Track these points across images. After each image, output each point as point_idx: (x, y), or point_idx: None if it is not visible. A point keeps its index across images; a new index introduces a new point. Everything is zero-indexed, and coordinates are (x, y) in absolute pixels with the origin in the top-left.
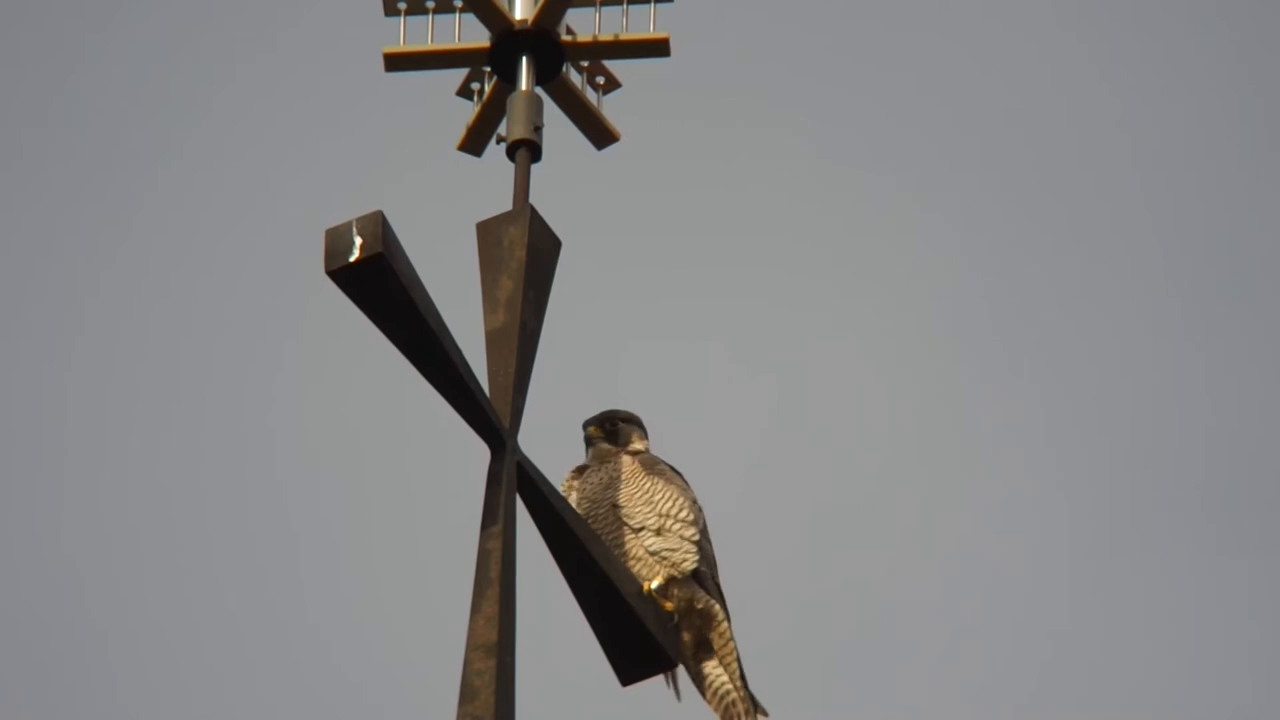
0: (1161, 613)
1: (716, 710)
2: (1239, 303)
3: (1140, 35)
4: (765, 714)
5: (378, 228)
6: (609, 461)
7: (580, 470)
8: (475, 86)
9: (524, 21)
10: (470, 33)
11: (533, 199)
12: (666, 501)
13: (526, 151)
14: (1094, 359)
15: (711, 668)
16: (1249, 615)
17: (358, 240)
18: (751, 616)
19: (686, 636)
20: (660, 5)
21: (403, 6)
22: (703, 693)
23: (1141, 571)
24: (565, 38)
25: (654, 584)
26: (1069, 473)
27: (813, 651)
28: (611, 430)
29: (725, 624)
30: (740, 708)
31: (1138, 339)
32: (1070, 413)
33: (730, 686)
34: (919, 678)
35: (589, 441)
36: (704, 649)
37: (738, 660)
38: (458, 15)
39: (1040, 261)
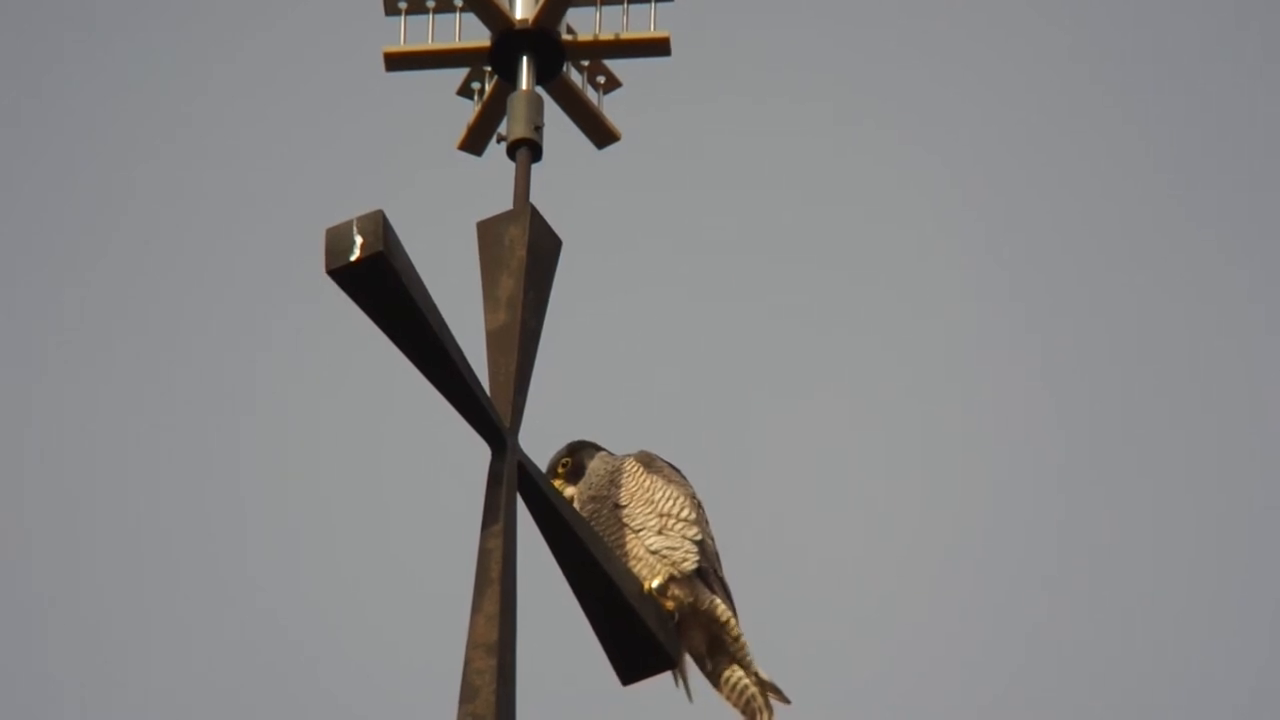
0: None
1: (737, 705)
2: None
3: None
4: (788, 701)
5: (378, 227)
6: (605, 465)
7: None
8: (476, 86)
9: (524, 21)
10: (471, 32)
11: (533, 198)
12: (666, 500)
13: (527, 151)
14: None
15: (726, 664)
16: None
17: (358, 239)
18: (758, 612)
19: (697, 636)
20: (661, 5)
21: (403, 6)
22: (720, 690)
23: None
24: (566, 37)
25: (654, 583)
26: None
27: (816, 645)
28: (574, 470)
29: (732, 620)
30: (760, 701)
31: (1162, 338)
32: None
33: (747, 681)
34: (920, 668)
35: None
36: (716, 646)
37: (749, 653)
38: (458, 15)
39: (1062, 250)
